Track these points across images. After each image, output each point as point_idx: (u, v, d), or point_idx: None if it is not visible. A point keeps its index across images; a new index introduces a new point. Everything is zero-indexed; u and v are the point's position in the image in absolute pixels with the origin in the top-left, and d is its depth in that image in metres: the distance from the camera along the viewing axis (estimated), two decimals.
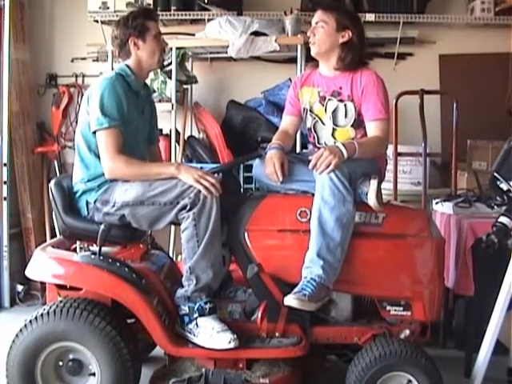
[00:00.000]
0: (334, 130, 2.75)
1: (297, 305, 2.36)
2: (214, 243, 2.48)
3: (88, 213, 2.61)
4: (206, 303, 2.49)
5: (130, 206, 2.52)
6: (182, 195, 2.45)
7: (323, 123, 2.77)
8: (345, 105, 2.71)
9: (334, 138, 2.74)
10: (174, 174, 2.51)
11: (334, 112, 2.73)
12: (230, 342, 2.42)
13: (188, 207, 2.44)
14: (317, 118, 2.77)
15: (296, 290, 2.41)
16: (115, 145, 2.53)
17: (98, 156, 2.60)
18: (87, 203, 2.61)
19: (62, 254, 2.66)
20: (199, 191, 2.44)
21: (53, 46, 4.68)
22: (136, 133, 2.70)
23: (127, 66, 2.70)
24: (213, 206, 2.45)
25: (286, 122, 2.88)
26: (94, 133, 2.57)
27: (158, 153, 3.00)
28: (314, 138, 2.80)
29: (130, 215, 2.53)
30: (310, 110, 2.78)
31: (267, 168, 2.60)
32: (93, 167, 2.61)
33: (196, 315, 2.48)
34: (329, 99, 2.74)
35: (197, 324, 2.48)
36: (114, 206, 2.54)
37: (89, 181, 2.61)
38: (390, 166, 3.23)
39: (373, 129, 2.66)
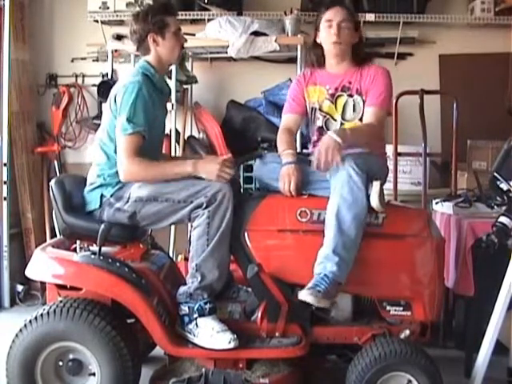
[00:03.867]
0: (341, 124, 2.75)
1: (312, 301, 2.34)
2: (223, 244, 2.50)
3: (100, 206, 2.60)
4: (205, 303, 2.49)
5: (143, 202, 2.53)
6: (197, 194, 2.47)
7: (334, 119, 2.77)
8: (353, 99, 2.73)
9: None
10: (191, 173, 2.51)
11: (344, 107, 2.74)
12: (230, 342, 2.42)
13: (204, 205, 2.45)
14: (328, 116, 2.77)
15: (310, 285, 2.39)
16: (133, 149, 2.52)
17: None
18: (102, 196, 2.60)
19: (62, 253, 2.66)
20: (216, 192, 2.45)
21: (53, 46, 4.68)
22: (161, 130, 2.71)
23: (148, 62, 2.67)
24: (228, 207, 2.46)
25: (289, 120, 2.85)
26: None
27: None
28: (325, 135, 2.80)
29: (141, 212, 2.54)
30: (320, 109, 2.78)
31: (282, 184, 2.57)
32: (117, 166, 2.60)
33: (196, 315, 2.48)
34: (339, 95, 2.75)
35: (197, 324, 2.48)
36: (127, 201, 2.55)
37: (109, 176, 2.61)
38: (390, 166, 3.22)
39: (370, 114, 2.68)
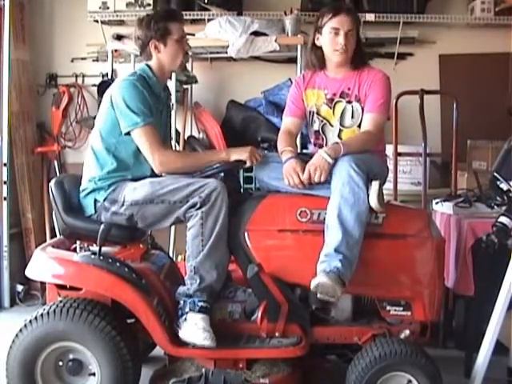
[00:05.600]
0: (340, 130, 2.75)
1: (328, 280, 2.31)
2: (219, 245, 2.50)
3: (95, 211, 2.61)
4: (199, 301, 2.49)
5: (139, 205, 2.53)
6: (192, 194, 2.48)
7: (331, 125, 2.76)
8: (352, 106, 2.72)
9: (341, 138, 2.73)
10: (225, 159, 2.59)
11: (342, 113, 2.73)
12: (204, 340, 2.42)
13: (198, 205, 2.47)
14: (325, 121, 2.77)
15: (320, 270, 2.37)
16: (157, 140, 2.56)
17: (115, 156, 2.61)
18: (95, 201, 2.61)
19: (62, 254, 2.66)
20: (211, 191, 2.46)
21: (53, 46, 4.68)
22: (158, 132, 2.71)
23: (149, 66, 2.69)
24: (222, 208, 2.47)
25: (289, 123, 2.84)
26: (127, 134, 2.57)
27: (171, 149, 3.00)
28: (322, 139, 2.78)
29: (138, 214, 2.55)
30: (317, 113, 2.77)
31: (291, 179, 2.56)
32: (107, 167, 2.61)
33: (187, 310, 2.49)
34: (337, 101, 2.74)
35: (185, 318, 2.49)
36: (123, 204, 2.56)
37: (100, 180, 2.61)
38: (390, 166, 3.23)
39: (367, 121, 2.67)
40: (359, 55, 2.73)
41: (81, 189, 2.66)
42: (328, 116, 2.76)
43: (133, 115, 2.53)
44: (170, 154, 2.61)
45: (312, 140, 2.85)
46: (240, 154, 2.61)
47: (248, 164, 2.63)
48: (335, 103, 2.74)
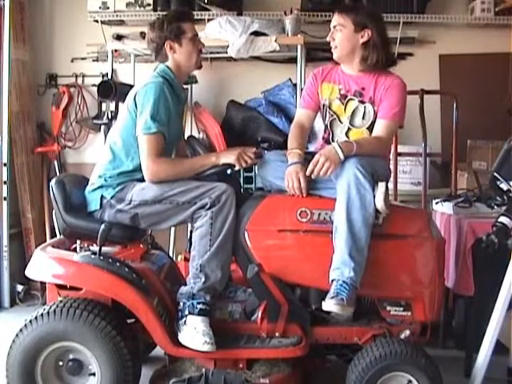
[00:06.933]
0: (349, 129, 2.74)
1: (338, 310, 2.34)
2: (226, 245, 2.52)
3: (100, 207, 2.62)
4: (198, 303, 2.49)
5: (147, 205, 2.54)
6: (201, 196, 2.50)
7: (340, 121, 2.76)
8: (364, 106, 2.70)
9: (348, 137, 2.72)
10: (215, 163, 2.60)
11: (353, 112, 2.72)
12: (203, 344, 2.41)
13: (207, 206, 2.48)
14: (334, 116, 2.76)
15: (331, 294, 2.37)
16: (157, 149, 2.56)
17: (133, 161, 2.63)
18: (102, 197, 2.62)
19: (62, 253, 2.66)
20: (221, 193, 2.48)
21: (53, 46, 4.68)
22: (174, 133, 2.73)
23: (167, 67, 2.71)
24: (230, 210, 2.50)
25: (302, 115, 2.83)
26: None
27: (184, 147, 2.98)
28: (328, 134, 2.78)
29: (143, 214, 2.56)
30: (329, 107, 2.77)
31: (291, 183, 2.55)
32: (121, 168, 2.63)
33: (186, 312, 2.49)
34: (350, 99, 2.73)
35: (185, 321, 2.49)
36: (129, 203, 2.57)
37: (110, 177, 2.63)
38: (390, 167, 3.22)
39: (380, 127, 2.66)
40: (375, 55, 2.66)
41: (89, 183, 2.68)
42: (339, 111, 2.75)
43: (150, 120, 2.54)
44: (163, 163, 2.58)
45: (323, 133, 2.82)
46: (228, 157, 2.61)
47: (237, 168, 2.61)
48: (348, 100, 2.73)
